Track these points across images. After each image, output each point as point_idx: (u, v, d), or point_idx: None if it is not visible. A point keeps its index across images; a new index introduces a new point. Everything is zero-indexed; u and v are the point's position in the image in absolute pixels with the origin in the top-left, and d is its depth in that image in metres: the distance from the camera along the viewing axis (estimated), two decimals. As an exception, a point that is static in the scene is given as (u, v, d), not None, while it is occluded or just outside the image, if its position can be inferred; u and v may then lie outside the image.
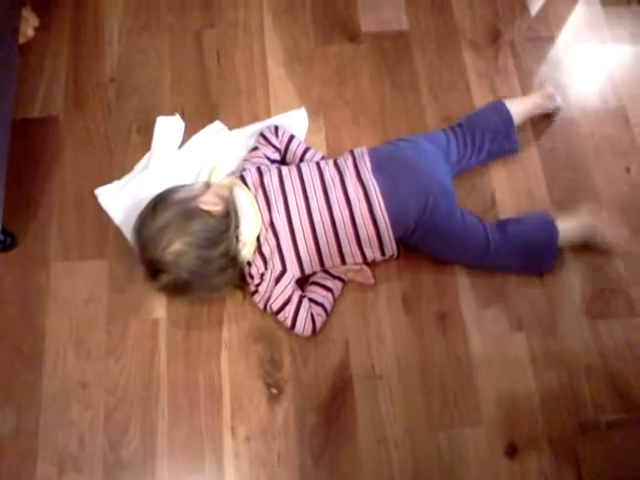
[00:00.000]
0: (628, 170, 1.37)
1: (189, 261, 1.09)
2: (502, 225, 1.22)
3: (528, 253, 1.22)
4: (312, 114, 1.39)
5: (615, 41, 1.53)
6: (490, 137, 1.31)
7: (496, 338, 1.21)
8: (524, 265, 1.23)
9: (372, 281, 1.22)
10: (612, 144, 1.40)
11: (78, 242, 1.25)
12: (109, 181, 1.28)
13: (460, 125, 1.31)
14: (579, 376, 1.18)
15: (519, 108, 1.34)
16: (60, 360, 1.16)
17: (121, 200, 1.25)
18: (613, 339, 1.22)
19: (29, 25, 1.42)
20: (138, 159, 1.32)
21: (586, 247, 1.27)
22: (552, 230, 1.21)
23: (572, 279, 1.26)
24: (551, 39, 1.52)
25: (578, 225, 1.24)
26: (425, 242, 1.21)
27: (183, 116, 1.36)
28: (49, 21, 1.47)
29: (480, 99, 1.43)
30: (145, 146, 1.32)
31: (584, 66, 1.49)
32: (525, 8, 1.56)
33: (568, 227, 1.23)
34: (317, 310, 1.17)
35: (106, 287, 1.21)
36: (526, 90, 1.45)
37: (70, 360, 1.17)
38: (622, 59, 1.50)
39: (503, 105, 1.32)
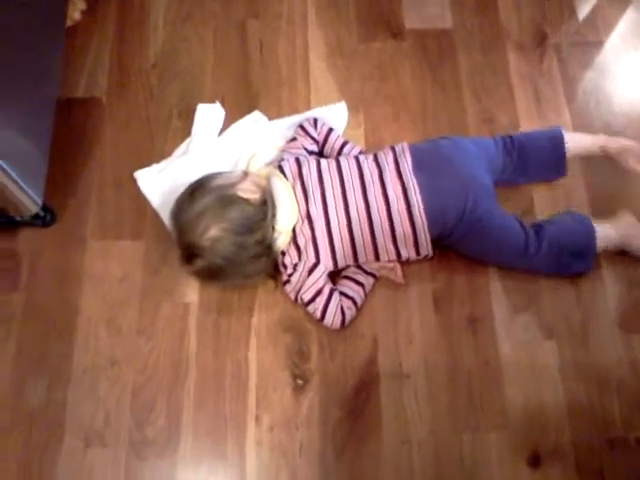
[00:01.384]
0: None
1: (225, 247, 1.10)
2: (540, 226, 1.20)
3: (566, 255, 1.20)
4: (352, 109, 1.39)
5: (665, 49, 1.50)
6: (537, 164, 1.28)
7: (526, 345, 1.19)
8: (561, 267, 1.21)
9: (402, 281, 1.21)
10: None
11: (115, 222, 1.27)
12: (148, 164, 1.30)
13: (511, 139, 1.28)
14: (609, 390, 1.16)
15: (577, 146, 1.28)
16: (92, 336, 1.18)
17: (159, 184, 1.26)
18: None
19: (76, 8, 1.44)
20: (178, 144, 1.33)
21: (622, 259, 1.25)
22: (591, 232, 1.19)
23: (607, 291, 1.24)
24: (598, 44, 1.50)
25: (616, 230, 1.22)
26: (462, 242, 1.20)
27: (223, 104, 1.37)
28: (96, 5, 1.48)
29: (523, 103, 1.42)
30: (185, 132, 1.33)
31: (631, 73, 1.46)
32: (573, 12, 1.54)
33: (605, 231, 1.21)
34: (347, 304, 1.17)
35: (140, 268, 1.23)
36: (570, 95, 1.43)
37: (101, 337, 1.18)
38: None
39: (560, 141, 1.27)
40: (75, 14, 1.44)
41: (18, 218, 1.20)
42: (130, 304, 1.20)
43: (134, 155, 1.32)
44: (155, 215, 1.25)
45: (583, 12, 1.55)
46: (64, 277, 1.22)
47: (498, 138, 1.28)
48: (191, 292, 1.21)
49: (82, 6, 1.46)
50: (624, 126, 1.39)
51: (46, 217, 1.23)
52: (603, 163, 1.31)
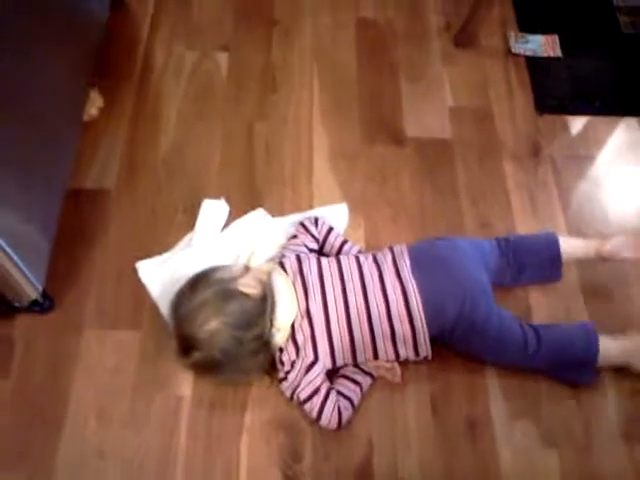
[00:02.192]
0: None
1: (223, 340, 1.10)
2: (541, 329, 1.20)
3: (566, 362, 1.19)
4: (353, 210, 1.42)
5: (654, 165, 1.57)
6: (532, 266, 1.30)
7: (526, 452, 1.16)
8: (561, 372, 1.21)
9: (400, 381, 1.20)
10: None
11: (113, 312, 1.26)
12: (151, 256, 1.31)
13: (506, 241, 1.30)
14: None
15: (571, 249, 1.30)
16: (80, 427, 1.14)
17: (160, 275, 1.27)
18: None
19: (94, 105, 1.51)
20: (181, 238, 1.35)
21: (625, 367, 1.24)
22: (592, 343, 1.18)
23: (610, 399, 1.22)
24: (591, 158, 1.56)
25: (620, 348, 1.21)
26: (461, 342, 1.19)
27: (228, 201, 1.40)
28: (112, 103, 1.55)
29: (519, 209, 1.46)
30: (189, 226, 1.36)
31: (622, 186, 1.52)
32: (566, 127, 1.62)
33: (610, 347, 1.20)
34: (344, 404, 1.14)
35: (135, 359, 1.21)
36: (565, 204, 1.47)
37: (91, 427, 1.14)
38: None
39: (555, 242, 1.29)
40: (92, 110, 1.50)
41: (17, 304, 1.20)
42: (122, 395, 1.17)
43: (138, 246, 1.33)
44: (154, 307, 1.25)
45: (576, 128, 1.63)
46: (57, 364, 1.20)
47: (493, 240, 1.30)
48: (185, 386, 1.19)
49: (99, 103, 1.52)
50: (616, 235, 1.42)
51: (45, 304, 1.22)
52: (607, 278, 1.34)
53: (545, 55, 1.75)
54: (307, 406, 1.13)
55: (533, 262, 1.29)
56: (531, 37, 1.78)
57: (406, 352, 1.17)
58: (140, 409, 1.17)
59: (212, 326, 1.09)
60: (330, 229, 1.34)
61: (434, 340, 1.18)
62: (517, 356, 1.18)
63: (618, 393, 1.23)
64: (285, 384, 1.14)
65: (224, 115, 1.57)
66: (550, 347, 1.17)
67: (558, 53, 1.76)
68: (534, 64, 1.73)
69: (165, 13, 1.76)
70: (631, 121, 1.64)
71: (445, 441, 1.16)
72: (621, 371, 1.24)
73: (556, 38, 1.78)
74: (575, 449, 1.17)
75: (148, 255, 1.31)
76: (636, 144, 1.60)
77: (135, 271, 1.29)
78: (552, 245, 1.29)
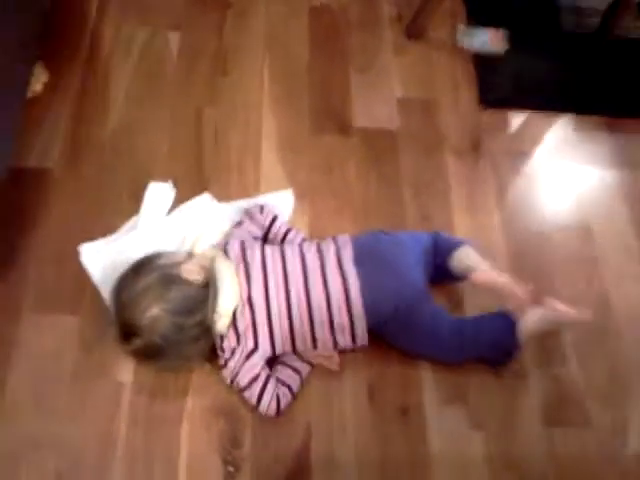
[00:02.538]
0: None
1: (164, 327, 1.11)
2: (467, 325, 1.26)
3: (491, 350, 1.26)
4: (298, 198, 1.44)
5: (584, 162, 1.64)
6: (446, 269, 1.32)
7: (455, 436, 1.22)
8: (487, 357, 1.27)
9: (338, 368, 1.24)
10: (579, 257, 1.48)
11: (53, 296, 1.25)
12: (94, 239, 1.30)
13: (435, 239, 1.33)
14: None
15: (463, 263, 1.29)
16: (16, 415, 1.13)
17: (102, 259, 1.26)
18: (568, 449, 1.24)
19: (38, 80, 1.47)
20: (126, 221, 1.34)
21: (547, 354, 1.32)
22: (510, 321, 1.24)
23: (531, 386, 1.29)
24: (527, 154, 1.63)
25: (539, 316, 1.26)
26: (395, 335, 1.24)
27: (175, 185, 1.40)
28: (58, 78, 1.52)
29: (458, 204, 1.51)
30: (134, 209, 1.35)
31: (555, 183, 1.59)
32: (507, 123, 1.68)
33: (530, 318, 1.25)
34: (283, 391, 1.18)
35: (75, 344, 1.20)
36: (500, 199, 1.53)
37: (27, 416, 1.14)
38: (589, 179, 1.62)
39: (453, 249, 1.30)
40: (36, 85, 1.46)
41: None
42: (61, 382, 1.17)
43: (81, 229, 1.31)
44: (95, 292, 1.24)
45: (516, 124, 1.68)
46: (-6, 348, 1.19)
47: (431, 234, 1.34)
48: (125, 372, 1.19)
49: (44, 78, 1.48)
50: (551, 231, 1.50)
51: (-18, 286, 1.21)
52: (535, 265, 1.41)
53: (491, 50, 1.79)
54: (247, 393, 1.16)
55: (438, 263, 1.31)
56: (479, 31, 1.82)
57: (344, 341, 1.21)
58: (79, 396, 1.16)
59: (153, 312, 1.10)
60: (275, 217, 1.36)
61: (371, 330, 1.22)
62: (446, 348, 1.24)
63: (539, 379, 1.30)
64: (225, 371, 1.17)
65: (174, 97, 1.56)
66: (476, 339, 1.24)
67: (505, 48, 1.80)
68: (480, 58, 1.77)
69: (114, -12, 1.72)
70: (567, 118, 1.71)
71: (379, 427, 1.21)
72: (543, 356, 1.32)
73: (503, 33, 1.82)
74: (500, 433, 1.23)
75: (91, 238, 1.30)
76: (569, 141, 1.67)
77: (77, 255, 1.27)
78: (447, 255, 1.30)
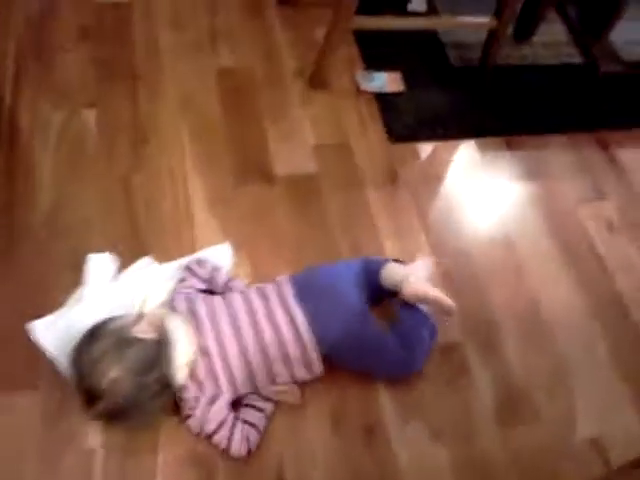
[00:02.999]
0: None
1: (125, 387, 1.13)
2: (397, 333, 1.34)
3: (428, 335, 1.35)
4: (236, 249, 1.50)
5: (494, 179, 1.80)
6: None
7: (420, 448, 1.29)
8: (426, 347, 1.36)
9: (299, 401, 1.29)
10: (503, 266, 1.60)
11: (8, 377, 1.25)
12: (41, 316, 1.30)
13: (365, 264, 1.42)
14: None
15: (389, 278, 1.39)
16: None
17: (54, 333, 1.27)
18: (524, 444, 1.33)
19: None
20: (70, 295, 1.36)
21: (491, 359, 1.42)
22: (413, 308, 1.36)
23: (481, 389, 1.38)
24: (440, 178, 1.76)
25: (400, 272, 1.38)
26: (347, 359, 1.31)
27: (115, 254, 1.42)
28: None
29: (385, 233, 1.61)
30: (77, 283, 1.37)
31: (470, 201, 1.73)
32: (416, 153, 1.81)
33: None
34: (251, 431, 1.21)
35: (38, 420, 1.20)
36: (424, 224, 1.64)
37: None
38: (502, 193, 1.77)
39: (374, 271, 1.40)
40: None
41: None
42: (29, 460, 1.16)
43: (24, 310, 1.31)
44: (50, 365, 1.25)
45: (424, 153, 1.82)
46: (-48, 439, 1.17)
47: (361, 258, 1.44)
48: (93, 438, 1.19)
49: (-33, 171, 1.51)
50: (471, 245, 1.63)
51: None
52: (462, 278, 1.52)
53: (390, 91, 1.94)
54: (216, 438, 1.19)
55: (370, 283, 1.40)
56: (376, 75, 1.97)
57: (300, 372, 1.27)
58: (50, 470, 1.16)
59: (113, 375, 1.13)
60: (215, 268, 1.41)
61: (325, 359, 1.28)
62: (400, 364, 1.32)
63: (486, 381, 1.40)
64: (192, 420, 1.19)
65: (99, 171, 1.59)
66: (416, 337, 1.33)
67: (401, 88, 1.96)
68: (382, 99, 1.91)
69: (25, 74, 1.76)
70: (469, 142, 1.87)
71: (348, 449, 1.26)
72: (489, 361, 1.42)
73: (398, 75, 1.99)
74: (460, 439, 1.31)
75: (37, 316, 1.30)
76: (476, 162, 1.83)
77: (25, 334, 1.28)
78: (376, 271, 1.40)
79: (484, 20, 1.92)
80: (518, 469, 1.30)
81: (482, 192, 1.76)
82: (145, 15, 1.98)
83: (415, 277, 1.37)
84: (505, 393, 1.39)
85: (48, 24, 1.89)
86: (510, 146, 1.88)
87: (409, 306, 1.36)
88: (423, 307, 1.37)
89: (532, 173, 1.84)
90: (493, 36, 1.96)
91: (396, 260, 1.43)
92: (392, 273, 1.38)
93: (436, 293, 1.35)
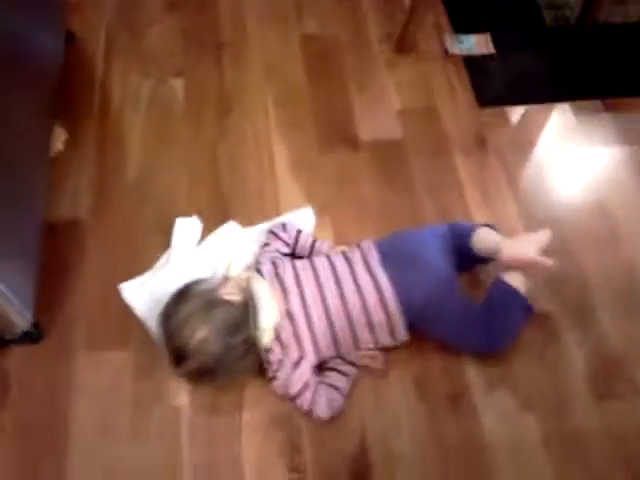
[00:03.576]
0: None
1: (212, 348, 1.15)
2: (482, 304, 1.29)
3: (513, 312, 1.28)
4: (318, 213, 1.50)
5: (589, 144, 1.70)
6: (464, 253, 1.34)
7: (508, 419, 1.25)
8: (512, 327, 1.29)
9: (382, 366, 1.27)
10: (596, 234, 1.52)
11: (103, 334, 1.30)
12: (132, 277, 1.35)
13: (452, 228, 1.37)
14: (597, 458, 1.21)
15: (483, 244, 1.33)
16: (85, 448, 1.18)
17: (143, 294, 1.31)
18: (622, 421, 1.26)
19: (59, 139, 1.55)
20: (159, 257, 1.40)
21: (582, 324, 1.36)
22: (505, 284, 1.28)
23: (573, 360, 1.32)
24: (532, 144, 1.68)
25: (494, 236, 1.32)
26: (429, 326, 1.28)
27: (200, 218, 1.45)
28: (77, 136, 1.60)
29: (473, 198, 1.56)
30: (165, 245, 1.41)
31: (562, 167, 1.64)
32: (507, 118, 1.74)
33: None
34: (334, 395, 1.21)
35: (130, 376, 1.25)
36: (513, 189, 1.58)
37: (95, 448, 1.18)
38: (597, 159, 1.67)
39: (467, 236, 1.33)
40: (58, 144, 1.55)
41: (8, 337, 1.23)
42: (122, 412, 1.21)
43: (118, 270, 1.37)
44: (141, 324, 1.29)
45: (515, 117, 1.74)
46: (53, 391, 1.23)
47: (449, 225, 1.38)
48: (181, 395, 1.23)
49: (64, 137, 1.57)
50: (563, 212, 1.55)
51: (35, 334, 1.26)
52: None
53: (479, 53, 1.87)
54: (299, 401, 1.19)
55: (460, 249, 1.34)
56: (465, 37, 1.90)
57: (385, 338, 1.25)
58: (141, 423, 1.21)
59: (201, 335, 1.15)
60: (299, 231, 1.41)
61: (409, 325, 1.26)
62: (482, 338, 1.27)
63: (581, 352, 1.33)
64: (276, 382, 1.20)
65: (186, 137, 1.63)
66: (501, 312, 1.27)
67: (491, 50, 1.88)
68: (471, 62, 1.85)
69: (116, 44, 1.81)
70: (564, 106, 1.77)
71: (432, 417, 1.24)
72: (579, 327, 1.36)
73: (488, 36, 1.90)
74: (551, 411, 1.26)
75: (129, 276, 1.35)
76: (570, 127, 1.73)
77: (119, 293, 1.33)
78: (467, 237, 1.33)
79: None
80: (615, 446, 1.23)
81: (576, 157, 1.67)
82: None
83: (511, 241, 1.31)
84: (600, 365, 1.32)
85: (137, -4, 1.94)
86: (609, 108, 1.76)
87: (500, 282, 1.29)
88: (518, 281, 1.29)
89: (631, 136, 1.71)
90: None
91: (487, 225, 1.37)
92: (486, 237, 1.32)
93: (536, 255, 1.27)
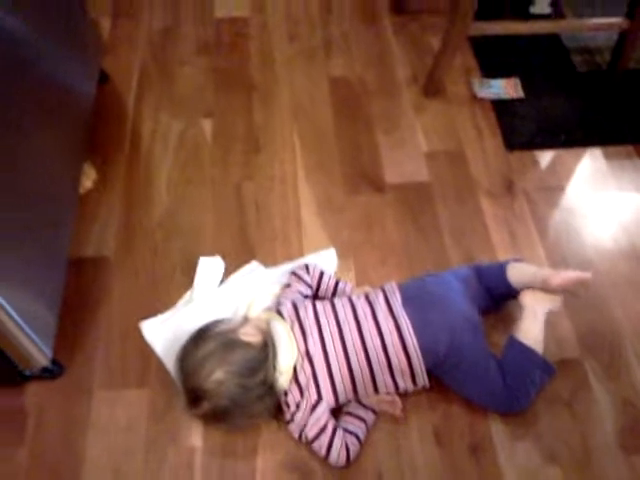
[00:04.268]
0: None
1: (229, 389, 1.14)
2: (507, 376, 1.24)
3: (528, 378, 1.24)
4: (342, 256, 1.49)
5: (621, 189, 1.66)
6: (494, 291, 1.35)
7: (530, 472, 1.20)
8: (530, 388, 1.24)
9: (401, 414, 1.24)
10: (629, 281, 1.47)
11: (121, 372, 1.30)
12: (153, 315, 1.36)
13: (477, 268, 1.37)
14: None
15: (519, 275, 1.33)
16: (98, 489, 1.17)
17: (164, 332, 1.32)
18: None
19: (89, 178, 1.59)
20: (181, 296, 1.41)
21: (614, 378, 1.31)
22: (545, 367, 1.25)
23: (602, 412, 1.27)
24: (562, 188, 1.66)
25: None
26: (451, 375, 1.24)
27: (223, 258, 1.46)
28: (106, 175, 1.64)
29: (499, 242, 1.54)
30: (188, 285, 1.42)
31: (594, 212, 1.61)
32: (536, 162, 1.72)
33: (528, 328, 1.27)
34: (351, 440, 1.18)
35: (146, 415, 1.24)
36: (542, 234, 1.55)
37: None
38: (629, 205, 1.63)
39: (501, 269, 1.34)
40: (87, 183, 1.59)
41: (27, 372, 1.24)
42: (135, 453, 1.20)
43: (140, 308, 1.38)
44: (159, 364, 1.29)
45: (544, 161, 1.72)
46: (70, 428, 1.23)
47: (472, 267, 1.38)
48: (196, 437, 1.22)
49: (94, 175, 1.61)
50: (594, 258, 1.51)
51: (54, 370, 1.26)
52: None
53: (508, 97, 1.86)
54: (315, 445, 1.17)
55: (493, 289, 1.34)
56: (493, 82, 1.90)
57: (405, 383, 1.22)
58: (154, 464, 1.20)
59: (218, 376, 1.14)
60: (322, 273, 1.40)
61: (430, 371, 1.23)
62: (494, 399, 1.24)
63: (610, 404, 1.28)
64: (292, 425, 1.19)
65: (213, 178, 1.65)
66: (517, 384, 1.23)
67: (520, 94, 1.87)
68: (499, 106, 1.85)
69: (149, 86, 1.87)
70: (595, 151, 1.75)
71: (451, 468, 1.20)
72: (612, 380, 1.31)
73: (517, 81, 1.90)
74: (576, 465, 1.21)
75: (151, 315, 1.36)
76: (601, 172, 1.70)
77: (139, 331, 1.34)
78: (502, 274, 1.33)
79: (615, 20, 1.80)
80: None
81: (607, 203, 1.64)
82: (261, 27, 2.05)
83: (548, 269, 1.33)
84: (631, 417, 1.27)
85: (171, 38, 2.01)
86: (639, 154, 1.74)
87: (515, 342, 1.26)
88: (533, 334, 1.26)
89: (665, 184, 1.68)
90: (625, 38, 1.83)
91: (516, 259, 1.37)
92: (522, 269, 1.34)
93: (577, 273, 1.29)
